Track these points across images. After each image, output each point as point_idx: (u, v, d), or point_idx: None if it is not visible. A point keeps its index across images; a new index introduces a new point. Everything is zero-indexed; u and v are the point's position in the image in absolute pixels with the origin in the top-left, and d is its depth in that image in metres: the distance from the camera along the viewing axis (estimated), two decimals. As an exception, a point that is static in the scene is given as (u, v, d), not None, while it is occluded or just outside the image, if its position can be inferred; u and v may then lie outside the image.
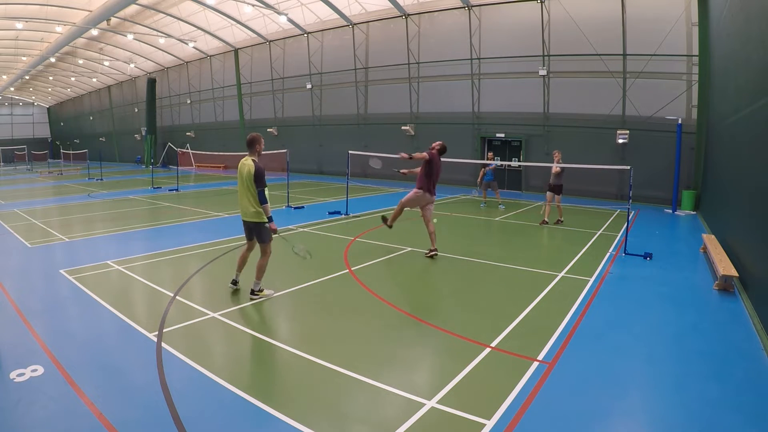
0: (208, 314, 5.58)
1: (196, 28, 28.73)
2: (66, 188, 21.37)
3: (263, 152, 6.11)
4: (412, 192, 8.56)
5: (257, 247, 6.21)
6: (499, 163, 18.41)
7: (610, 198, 17.22)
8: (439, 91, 21.84)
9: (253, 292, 6.11)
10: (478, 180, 15.20)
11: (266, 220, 5.94)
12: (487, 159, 15.23)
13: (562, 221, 11.86)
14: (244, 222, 6.16)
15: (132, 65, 37.99)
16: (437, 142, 8.67)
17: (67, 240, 9.88)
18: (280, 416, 3.53)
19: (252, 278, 6.19)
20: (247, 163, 5.91)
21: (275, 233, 6.02)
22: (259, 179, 5.81)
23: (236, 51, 30.98)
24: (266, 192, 5.88)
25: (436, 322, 5.39)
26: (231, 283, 6.43)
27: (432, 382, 4.08)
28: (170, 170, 30.83)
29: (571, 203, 15.90)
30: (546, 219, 11.85)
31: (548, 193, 11.72)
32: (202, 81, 34.82)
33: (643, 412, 3.79)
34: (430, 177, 8.38)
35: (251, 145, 6.00)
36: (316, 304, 6.05)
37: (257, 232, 6.08)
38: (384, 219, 9.31)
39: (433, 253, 8.37)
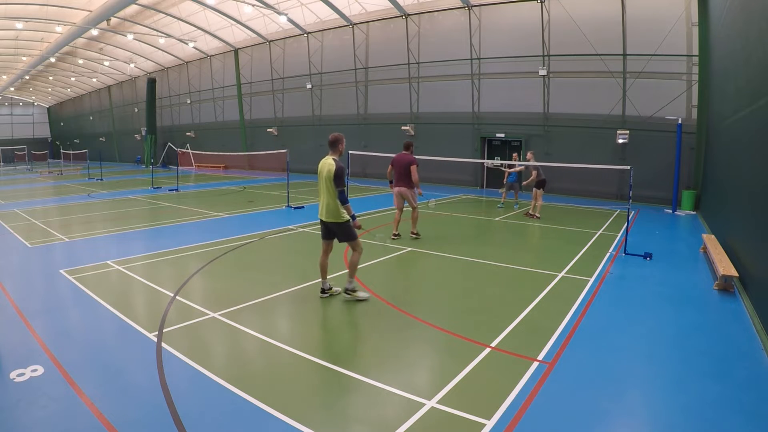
0: (208, 314, 5.58)
1: (196, 28, 28.73)
2: (66, 188, 21.36)
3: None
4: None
5: (332, 247, 6.20)
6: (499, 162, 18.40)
7: (610, 198, 17.22)
8: (439, 91, 21.83)
9: (347, 291, 6.07)
10: (504, 181, 15.06)
11: (344, 220, 5.92)
12: (512, 159, 15.10)
13: (532, 214, 12.66)
14: (323, 222, 6.06)
15: (132, 65, 38.00)
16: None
17: (67, 240, 9.88)
18: (280, 416, 3.52)
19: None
20: (328, 162, 5.91)
21: (359, 228, 6.07)
22: (339, 178, 5.80)
23: (236, 51, 30.98)
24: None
25: (436, 322, 5.39)
26: (321, 293, 6.21)
27: (432, 382, 4.08)
28: (170, 170, 30.83)
29: (572, 203, 15.92)
30: (531, 212, 12.73)
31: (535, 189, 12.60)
32: (202, 81, 34.81)
33: (643, 412, 3.79)
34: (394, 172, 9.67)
35: (334, 145, 6.04)
36: (316, 304, 6.04)
37: (341, 233, 6.01)
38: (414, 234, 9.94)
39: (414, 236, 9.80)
